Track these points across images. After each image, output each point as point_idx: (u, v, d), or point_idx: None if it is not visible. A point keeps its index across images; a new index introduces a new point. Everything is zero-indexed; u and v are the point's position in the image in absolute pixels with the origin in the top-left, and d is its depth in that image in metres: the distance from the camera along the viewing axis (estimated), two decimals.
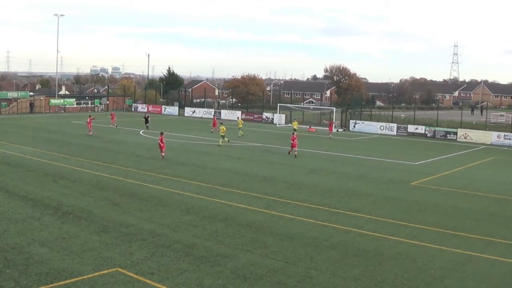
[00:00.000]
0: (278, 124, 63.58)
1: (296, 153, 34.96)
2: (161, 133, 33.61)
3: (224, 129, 40.19)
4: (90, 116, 46.46)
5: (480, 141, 51.19)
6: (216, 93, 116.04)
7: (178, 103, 79.77)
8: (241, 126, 48.34)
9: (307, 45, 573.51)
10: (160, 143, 32.54)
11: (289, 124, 61.64)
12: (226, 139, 40.15)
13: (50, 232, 16.65)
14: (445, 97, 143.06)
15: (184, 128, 50.39)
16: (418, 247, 16.54)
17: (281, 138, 47.44)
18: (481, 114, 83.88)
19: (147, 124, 50.53)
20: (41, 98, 73.61)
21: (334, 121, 56.58)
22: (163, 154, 32.36)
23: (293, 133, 36.43)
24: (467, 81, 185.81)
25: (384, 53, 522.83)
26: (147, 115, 53.74)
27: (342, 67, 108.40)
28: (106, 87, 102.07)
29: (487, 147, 48.73)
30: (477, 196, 25.06)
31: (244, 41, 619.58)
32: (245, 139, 46.06)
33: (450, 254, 16.04)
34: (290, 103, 73.88)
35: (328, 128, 52.17)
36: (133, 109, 79.14)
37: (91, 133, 44.29)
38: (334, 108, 64.47)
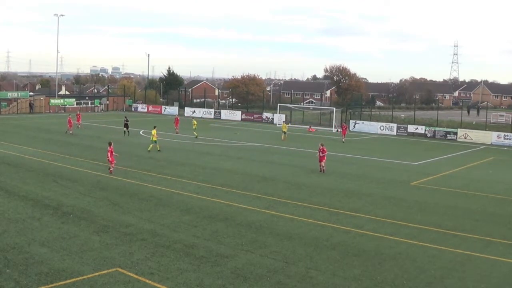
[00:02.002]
0: (278, 124, 63.47)
1: (324, 167, 29.79)
2: (110, 144, 27.74)
3: (154, 132, 35.85)
4: (69, 116, 47.52)
5: (480, 141, 51.18)
6: (216, 93, 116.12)
7: (178, 103, 79.75)
8: (195, 127, 46.45)
9: (307, 45, 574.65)
10: (109, 155, 27.15)
11: (289, 124, 61.58)
12: (157, 145, 35.68)
13: (50, 232, 16.66)
14: (445, 97, 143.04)
15: (184, 128, 50.32)
16: (418, 247, 16.54)
17: (280, 138, 47.37)
18: (477, 114, 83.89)
19: (127, 129, 45.12)
20: (41, 98, 73.62)
21: (345, 124, 53.95)
22: (112, 167, 27.26)
23: (322, 145, 29.91)
24: (467, 81, 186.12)
25: (384, 53, 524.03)
26: (126, 118, 46.90)
27: (342, 67, 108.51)
28: (106, 87, 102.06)
29: (487, 147, 48.72)
30: (477, 196, 25.05)
31: (244, 41, 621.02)
32: (245, 139, 46.07)
33: (450, 254, 16.04)
34: (290, 103, 73.91)
35: (341, 132, 49.23)
36: (133, 109, 79.12)
37: (71, 131, 45.02)
38: (334, 108, 64.45)
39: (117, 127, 51.07)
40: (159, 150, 35.42)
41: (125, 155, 33.56)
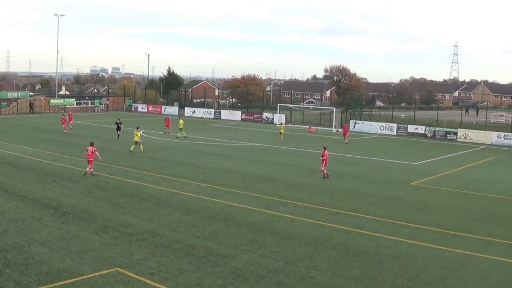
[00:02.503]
0: (278, 124, 63.50)
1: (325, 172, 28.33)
2: (92, 144, 26.56)
3: (139, 134, 35.22)
4: (63, 115, 47.73)
5: (480, 141, 51.18)
6: (216, 93, 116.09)
7: (178, 103, 79.78)
8: (181, 127, 45.20)
9: (307, 45, 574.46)
10: (90, 154, 26.06)
11: (289, 124, 61.68)
12: (140, 145, 34.89)
13: (50, 232, 16.65)
14: (445, 97, 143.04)
15: (184, 128, 50.28)
16: (418, 247, 16.54)
17: (279, 138, 47.37)
18: (477, 114, 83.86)
19: (119, 132, 42.50)
20: (41, 98, 73.59)
21: (346, 125, 52.45)
22: (90, 170, 26.09)
23: (325, 149, 28.44)
24: (467, 81, 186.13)
25: (384, 53, 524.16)
26: (118, 120, 43.85)
27: (342, 67, 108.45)
28: (106, 87, 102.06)
29: (487, 147, 48.72)
30: (477, 196, 25.05)
31: (244, 41, 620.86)
32: (245, 139, 46.07)
33: (450, 254, 16.04)
34: (290, 103, 73.91)
35: (343, 133, 48.03)
36: (133, 109, 79.14)
37: (65, 131, 45.40)
38: (334, 108, 64.46)
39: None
40: (130, 151, 34.41)
41: (125, 155, 33.58)
